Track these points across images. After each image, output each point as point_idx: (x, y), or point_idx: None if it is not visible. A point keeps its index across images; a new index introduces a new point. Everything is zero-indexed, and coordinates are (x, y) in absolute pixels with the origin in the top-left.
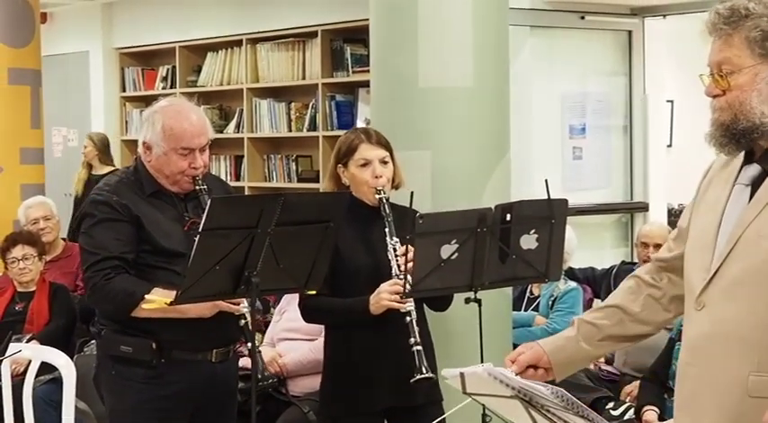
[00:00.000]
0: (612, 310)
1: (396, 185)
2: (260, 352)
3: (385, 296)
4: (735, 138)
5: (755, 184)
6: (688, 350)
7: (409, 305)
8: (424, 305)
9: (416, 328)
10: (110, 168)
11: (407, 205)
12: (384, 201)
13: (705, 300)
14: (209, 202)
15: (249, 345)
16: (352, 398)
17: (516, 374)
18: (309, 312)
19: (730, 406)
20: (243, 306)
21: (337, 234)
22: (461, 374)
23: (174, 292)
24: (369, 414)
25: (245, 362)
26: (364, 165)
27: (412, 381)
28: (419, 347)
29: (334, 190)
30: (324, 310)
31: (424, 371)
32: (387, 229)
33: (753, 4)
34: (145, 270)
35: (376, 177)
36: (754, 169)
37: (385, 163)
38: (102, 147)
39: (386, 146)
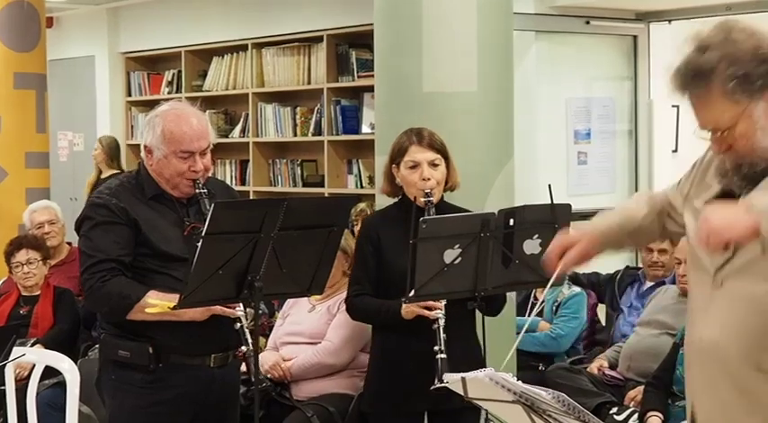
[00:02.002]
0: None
1: (450, 187)
2: (252, 355)
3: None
4: (755, 180)
5: None
6: (702, 326)
7: (437, 312)
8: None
9: (443, 336)
10: (115, 172)
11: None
12: (430, 203)
13: (722, 277)
14: (211, 207)
15: (244, 348)
16: (394, 398)
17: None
18: (352, 310)
19: (742, 382)
20: (238, 309)
21: (340, 239)
22: (463, 379)
23: (173, 296)
24: (409, 415)
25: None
26: (413, 167)
27: (432, 388)
28: (443, 356)
29: (389, 190)
30: (363, 309)
31: (445, 380)
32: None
33: (709, 54)
34: (143, 274)
35: (424, 180)
36: None
37: (435, 165)
38: (110, 150)
39: (438, 148)
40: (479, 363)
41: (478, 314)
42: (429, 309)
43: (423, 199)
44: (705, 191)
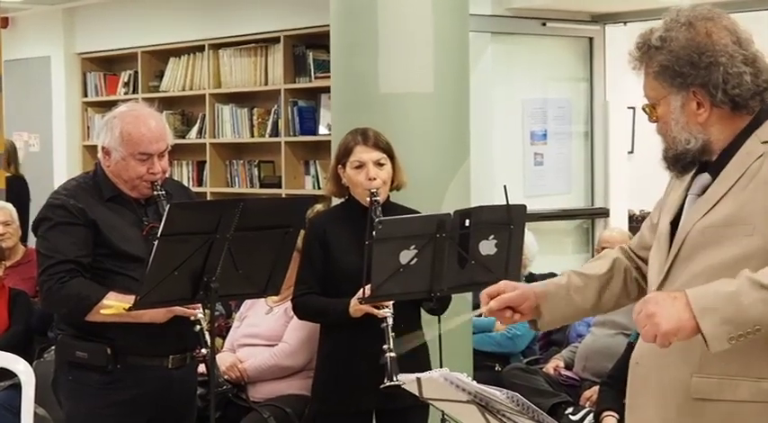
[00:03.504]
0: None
1: (396, 187)
2: (213, 357)
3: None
4: (672, 163)
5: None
6: (638, 349)
7: (386, 311)
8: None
9: (392, 334)
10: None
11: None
12: (375, 203)
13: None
14: (167, 208)
15: (204, 350)
16: (340, 397)
17: (490, 312)
18: (298, 309)
19: (674, 407)
20: (198, 312)
21: (296, 239)
22: (418, 379)
23: (130, 297)
24: (356, 414)
25: (203, 368)
26: (359, 167)
27: (381, 387)
28: (392, 354)
29: (335, 190)
30: (311, 308)
31: (394, 379)
32: (373, 232)
33: (658, 34)
34: (101, 274)
35: (370, 179)
36: (704, 178)
37: (381, 165)
38: (8, 154)
39: (383, 148)
40: (426, 363)
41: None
42: (377, 307)
43: (368, 198)
44: (678, 195)
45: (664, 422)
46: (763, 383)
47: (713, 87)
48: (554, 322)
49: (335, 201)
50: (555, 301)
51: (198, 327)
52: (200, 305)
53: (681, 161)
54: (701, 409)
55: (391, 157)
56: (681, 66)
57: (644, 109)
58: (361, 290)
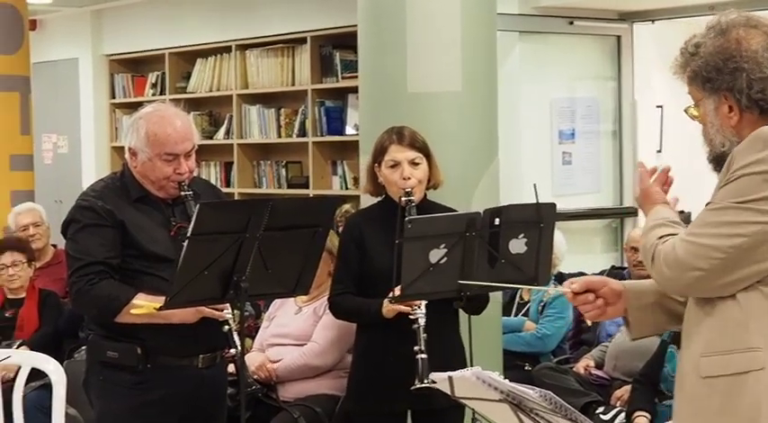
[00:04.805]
0: None
1: (433, 185)
2: (242, 357)
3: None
4: (714, 165)
5: None
6: None
7: (418, 312)
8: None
9: (424, 335)
10: None
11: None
12: (409, 203)
13: None
14: (197, 208)
15: (233, 351)
16: (376, 396)
17: (574, 294)
18: (334, 309)
19: (689, 389)
20: (226, 312)
21: (325, 239)
22: (450, 378)
23: (159, 298)
24: (391, 414)
25: (232, 367)
26: (394, 166)
27: (412, 388)
28: (423, 356)
29: (371, 189)
30: (346, 308)
31: (426, 381)
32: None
33: (692, 42)
34: (130, 275)
35: (404, 179)
36: None
37: (416, 164)
38: None
39: (419, 147)
40: (461, 363)
41: (463, 314)
42: (410, 308)
43: (403, 198)
44: None
45: (683, 404)
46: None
47: (738, 92)
48: (641, 325)
49: (363, 201)
50: (643, 301)
51: (226, 327)
52: (228, 306)
53: (721, 164)
54: (710, 388)
55: (427, 155)
56: (708, 71)
57: (685, 111)
58: (393, 289)
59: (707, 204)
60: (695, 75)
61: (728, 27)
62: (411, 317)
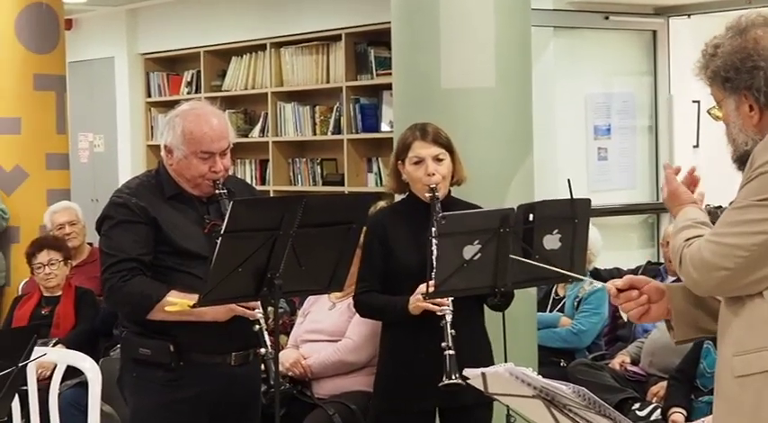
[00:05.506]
0: None
1: (457, 182)
2: (272, 356)
3: (421, 297)
4: (738, 165)
5: None
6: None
7: (445, 308)
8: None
9: (451, 332)
10: None
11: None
12: (435, 199)
13: None
14: (231, 205)
15: (263, 350)
16: (403, 394)
17: (618, 291)
18: (359, 307)
19: (725, 389)
20: (257, 311)
21: (359, 236)
22: (483, 374)
23: (191, 295)
24: (419, 412)
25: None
26: (418, 162)
27: (440, 385)
28: (451, 352)
29: (395, 186)
30: (370, 306)
31: (453, 377)
32: (433, 229)
33: (713, 43)
34: (163, 272)
35: (429, 175)
36: None
37: (440, 160)
38: None
39: (442, 143)
40: (488, 359)
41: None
42: (436, 305)
43: (427, 194)
44: None
45: (720, 404)
46: None
47: (756, 90)
48: (683, 326)
49: (398, 198)
50: (681, 300)
51: (257, 327)
52: (259, 305)
53: (745, 163)
54: (742, 387)
55: (451, 151)
56: (727, 71)
57: (708, 112)
58: (424, 285)
59: (730, 203)
60: (715, 75)
61: (747, 27)
62: (438, 313)
